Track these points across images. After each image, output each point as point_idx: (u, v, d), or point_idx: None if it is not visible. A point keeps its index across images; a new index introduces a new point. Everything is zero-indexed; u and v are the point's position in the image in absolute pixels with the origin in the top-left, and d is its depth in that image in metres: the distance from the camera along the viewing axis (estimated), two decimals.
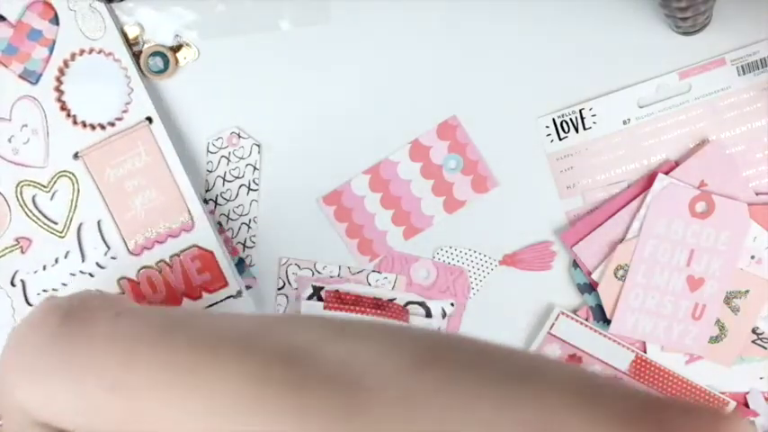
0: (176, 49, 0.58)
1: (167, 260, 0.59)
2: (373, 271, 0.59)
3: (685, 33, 0.54)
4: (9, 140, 0.59)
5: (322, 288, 0.59)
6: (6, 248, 0.60)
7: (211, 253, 0.58)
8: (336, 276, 0.60)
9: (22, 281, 0.60)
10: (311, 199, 0.59)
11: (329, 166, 0.59)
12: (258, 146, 0.58)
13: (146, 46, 0.58)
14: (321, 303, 0.59)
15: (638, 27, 0.55)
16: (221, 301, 0.59)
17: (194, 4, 0.58)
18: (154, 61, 0.57)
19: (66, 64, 0.58)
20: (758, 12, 0.55)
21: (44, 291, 0.60)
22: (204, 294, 0.59)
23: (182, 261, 0.58)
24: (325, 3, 0.57)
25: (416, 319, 0.59)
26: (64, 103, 0.59)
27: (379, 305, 0.59)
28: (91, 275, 0.59)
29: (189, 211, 0.58)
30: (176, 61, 0.58)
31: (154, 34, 0.58)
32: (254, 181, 0.59)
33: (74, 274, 0.59)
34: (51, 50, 0.58)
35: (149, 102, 0.58)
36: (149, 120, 0.58)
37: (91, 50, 0.58)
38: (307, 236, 0.60)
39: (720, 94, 0.55)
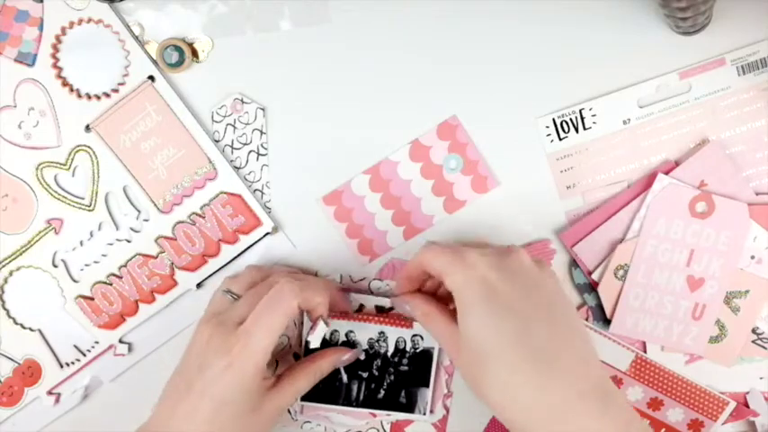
0: (191, 44, 0.58)
1: (199, 211, 0.59)
2: (375, 279, 0.59)
3: (685, 33, 0.54)
4: (19, 126, 0.59)
5: None
6: (40, 232, 0.60)
7: (239, 196, 0.59)
8: (338, 284, 0.59)
9: (63, 260, 0.61)
10: (311, 199, 0.59)
11: (329, 165, 0.59)
12: (263, 109, 0.58)
13: (162, 40, 0.58)
14: None
15: (638, 27, 0.55)
16: (259, 240, 0.59)
17: (194, 5, 0.58)
18: (168, 54, 0.57)
19: (58, 39, 0.59)
20: (758, 12, 0.55)
21: (86, 266, 0.61)
22: (240, 237, 0.59)
23: (213, 209, 0.59)
24: (324, 3, 0.57)
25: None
26: (64, 79, 0.59)
27: (381, 312, 0.59)
28: (128, 241, 0.60)
29: (209, 159, 0.59)
30: (193, 55, 0.58)
31: (154, 34, 0.59)
32: (262, 146, 0.59)
33: (111, 244, 0.60)
34: (41, 29, 0.58)
35: (147, 60, 0.58)
36: (152, 78, 0.58)
37: (80, 21, 0.58)
38: (307, 236, 0.60)
39: (720, 94, 0.55)
